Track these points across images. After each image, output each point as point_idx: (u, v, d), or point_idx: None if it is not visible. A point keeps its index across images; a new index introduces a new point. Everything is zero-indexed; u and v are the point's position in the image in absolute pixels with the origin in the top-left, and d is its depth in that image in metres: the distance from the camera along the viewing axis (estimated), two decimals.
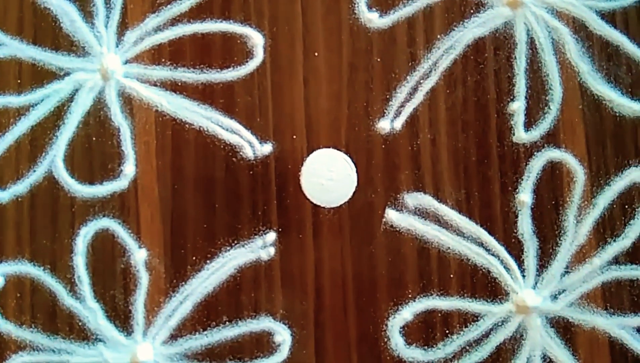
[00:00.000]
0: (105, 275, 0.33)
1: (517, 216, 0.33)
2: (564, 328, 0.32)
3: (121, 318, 0.33)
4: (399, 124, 0.33)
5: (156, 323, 0.33)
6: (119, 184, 0.33)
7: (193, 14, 0.34)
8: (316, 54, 0.34)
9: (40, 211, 0.33)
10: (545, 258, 0.33)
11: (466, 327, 0.32)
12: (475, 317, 0.32)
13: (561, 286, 0.32)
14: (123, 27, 0.34)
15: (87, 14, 0.34)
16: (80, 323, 0.33)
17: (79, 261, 0.33)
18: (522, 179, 0.33)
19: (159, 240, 0.33)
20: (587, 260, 0.32)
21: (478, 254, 0.32)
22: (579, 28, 0.33)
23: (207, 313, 0.33)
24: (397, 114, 0.33)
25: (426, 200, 0.33)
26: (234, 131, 0.33)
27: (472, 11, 0.34)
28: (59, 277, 0.33)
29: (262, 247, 0.33)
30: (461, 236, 0.33)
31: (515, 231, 0.33)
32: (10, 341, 0.33)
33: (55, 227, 0.33)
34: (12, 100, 0.34)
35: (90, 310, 0.33)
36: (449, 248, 0.32)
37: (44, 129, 0.34)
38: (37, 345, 0.33)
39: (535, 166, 0.33)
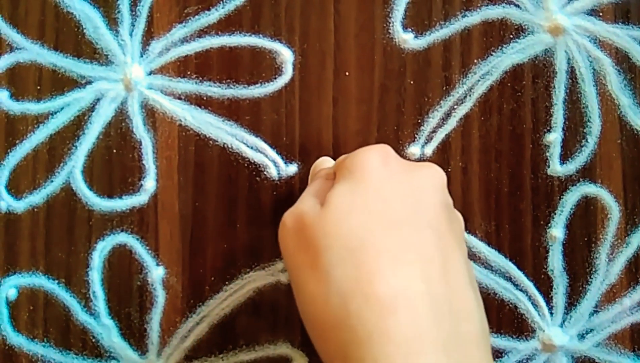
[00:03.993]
0: (121, 292, 0.34)
1: (547, 252, 0.33)
2: None
3: (136, 336, 0.34)
4: (429, 150, 0.34)
5: (171, 343, 0.34)
6: (138, 199, 0.34)
7: (221, 27, 0.34)
8: (347, 73, 0.34)
9: (57, 223, 0.34)
10: (574, 296, 0.33)
11: None
12: (499, 353, 0.33)
13: (589, 325, 0.33)
14: (148, 36, 0.34)
15: (112, 21, 0.34)
16: (93, 340, 0.34)
17: (95, 276, 0.34)
18: (555, 214, 0.34)
19: (178, 258, 0.34)
20: (617, 299, 0.33)
21: (506, 288, 0.33)
22: (622, 59, 0.34)
23: (223, 336, 0.34)
24: (429, 139, 0.34)
25: None
26: (259, 149, 0.34)
27: (511, 36, 0.34)
28: (74, 292, 0.34)
29: (282, 271, 0.34)
30: (489, 270, 0.33)
31: (545, 266, 0.33)
32: (22, 354, 0.34)
33: (71, 240, 0.34)
34: (31, 107, 0.35)
35: (104, 327, 0.34)
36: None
37: (63, 138, 0.34)
38: (48, 360, 0.34)
39: (569, 200, 0.33)
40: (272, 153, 0.34)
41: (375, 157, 0.26)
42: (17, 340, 0.34)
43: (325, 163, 0.32)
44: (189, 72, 0.35)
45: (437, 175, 0.26)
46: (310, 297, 0.24)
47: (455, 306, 0.23)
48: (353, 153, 0.27)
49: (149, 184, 0.34)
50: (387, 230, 0.24)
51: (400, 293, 0.22)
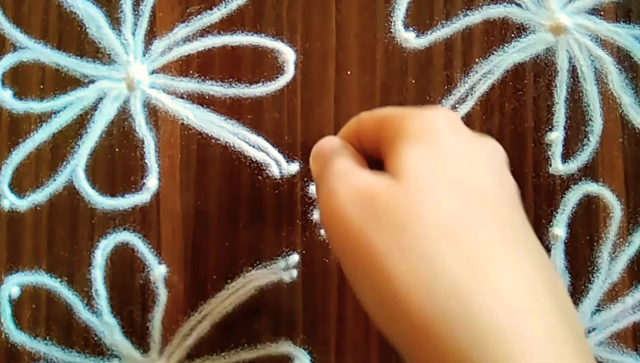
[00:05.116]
0: (123, 290, 0.34)
1: (549, 251, 0.34)
2: None
3: (138, 334, 0.34)
4: None
5: (173, 341, 0.34)
6: (140, 198, 0.35)
7: (224, 26, 0.35)
8: (349, 72, 0.35)
9: (59, 221, 0.35)
10: (576, 295, 0.34)
11: None
12: None
13: (591, 324, 0.33)
14: (151, 35, 0.35)
15: (114, 21, 0.35)
16: (95, 338, 0.34)
17: (97, 274, 0.34)
18: (557, 213, 0.34)
19: (180, 256, 0.34)
20: (619, 298, 0.34)
21: None
22: (623, 58, 0.34)
23: (225, 334, 0.34)
24: None
25: None
26: (261, 148, 0.35)
27: (512, 35, 0.34)
28: (76, 290, 0.34)
29: (284, 269, 0.34)
30: None
31: None
32: (24, 352, 0.34)
33: (74, 238, 0.35)
34: (34, 106, 0.35)
35: (106, 325, 0.34)
36: None
37: (66, 137, 0.35)
38: (51, 358, 0.34)
39: (571, 199, 0.34)
40: (274, 151, 0.35)
41: (444, 121, 0.23)
42: (20, 338, 0.34)
43: (331, 142, 0.28)
44: (191, 72, 0.35)
45: (502, 150, 0.25)
46: (401, 288, 0.20)
47: (561, 292, 0.21)
48: (409, 113, 0.23)
49: (152, 182, 0.35)
50: (482, 207, 0.21)
51: (525, 285, 0.19)
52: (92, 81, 0.35)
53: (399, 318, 0.20)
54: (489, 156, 0.23)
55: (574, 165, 0.34)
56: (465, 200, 0.21)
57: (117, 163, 0.35)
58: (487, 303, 0.19)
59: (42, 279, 0.35)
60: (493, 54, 0.35)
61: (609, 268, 0.34)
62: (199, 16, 0.35)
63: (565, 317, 0.20)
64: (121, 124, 0.35)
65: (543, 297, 0.20)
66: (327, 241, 0.34)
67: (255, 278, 0.34)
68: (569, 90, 0.34)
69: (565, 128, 0.34)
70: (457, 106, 0.35)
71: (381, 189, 0.21)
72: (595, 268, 0.34)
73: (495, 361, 0.18)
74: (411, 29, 0.35)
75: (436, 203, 0.21)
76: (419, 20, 0.35)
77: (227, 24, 0.35)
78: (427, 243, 0.20)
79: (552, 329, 0.19)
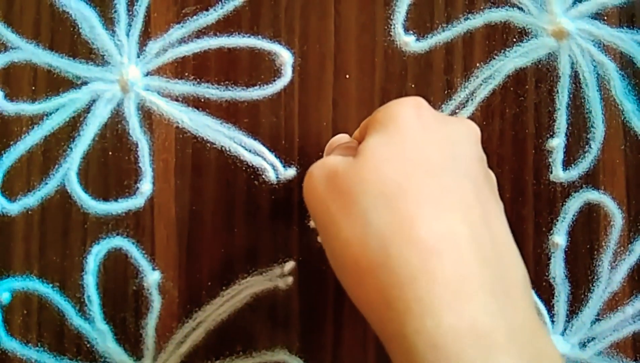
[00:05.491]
0: (116, 296, 0.34)
1: (549, 259, 0.34)
2: None
3: (131, 341, 0.34)
4: None
5: (167, 349, 0.34)
6: (134, 203, 0.34)
7: (220, 27, 0.34)
8: (347, 76, 0.34)
9: (51, 226, 0.34)
10: (576, 304, 0.33)
11: None
12: None
13: (591, 333, 0.33)
14: (145, 36, 0.34)
15: (108, 21, 0.34)
16: (88, 345, 0.34)
17: (90, 280, 0.34)
18: (558, 220, 0.34)
19: (174, 262, 0.34)
20: (619, 308, 0.33)
21: None
22: (626, 64, 0.34)
23: (220, 342, 0.34)
24: None
25: None
26: (257, 152, 0.34)
27: (514, 40, 0.34)
28: (68, 296, 0.34)
29: (280, 276, 0.34)
30: None
31: (546, 274, 0.34)
32: (15, 359, 0.34)
33: (66, 243, 0.34)
34: (26, 107, 0.35)
35: (99, 332, 0.34)
36: None
37: (58, 140, 0.34)
38: None
39: (572, 207, 0.34)
40: (270, 156, 0.34)
41: (409, 109, 0.26)
42: (11, 344, 0.34)
43: (342, 138, 0.32)
44: (186, 74, 0.35)
45: (471, 128, 0.27)
46: (345, 242, 0.24)
47: (499, 253, 0.23)
48: (384, 106, 0.27)
49: (145, 187, 0.34)
50: (425, 176, 0.24)
51: (444, 236, 0.22)
52: (85, 83, 0.35)
53: (345, 268, 0.24)
54: (447, 134, 0.25)
55: (575, 172, 0.34)
56: (409, 171, 0.24)
57: (110, 167, 0.34)
58: (404, 250, 0.22)
59: (34, 284, 0.34)
60: (494, 58, 0.34)
61: (609, 277, 0.33)
62: (194, 17, 0.35)
63: (486, 262, 0.22)
64: (115, 127, 0.34)
65: (463, 247, 0.22)
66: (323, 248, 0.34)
67: (251, 285, 0.34)
68: (571, 96, 0.34)
69: (566, 135, 0.34)
70: (457, 111, 0.34)
71: (341, 166, 0.25)
72: (596, 277, 0.34)
73: (409, 299, 0.21)
74: (411, 32, 0.34)
75: (380, 173, 0.24)
76: (419, 24, 0.34)
77: (224, 26, 0.35)
78: (365, 204, 0.23)
79: (466, 271, 0.22)
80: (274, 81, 0.34)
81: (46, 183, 0.34)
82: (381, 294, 0.22)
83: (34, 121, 0.34)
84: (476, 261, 0.22)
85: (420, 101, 0.26)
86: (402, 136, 0.25)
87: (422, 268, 0.22)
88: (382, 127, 0.25)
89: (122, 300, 0.34)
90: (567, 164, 0.34)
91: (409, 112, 0.25)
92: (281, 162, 0.34)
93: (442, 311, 0.21)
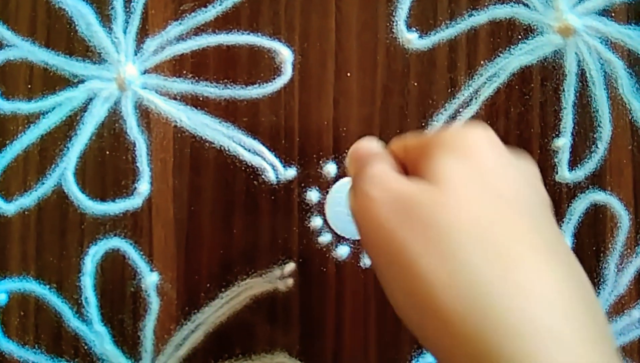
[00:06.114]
0: (113, 298, 0.34)
1: None
2: None
3: (129, 344, 0.33)
4: None
5: (165, 351, 0.33)
6: (132, 203, 0.34)
7: (218, 24, 0.34)
8: (348, 74, 0.34)
9: (48, 226, 0.34)
10: None
11: None
12: None
13: None
14: (143, 34, 0.34)
15: (105, 18, 0.34)
16: (85, 347, 0.34)
17: (87, 281, 0.34)
18: (563, 222, 0.33)
19: (172, 263, 0.34)
20: (625, 311, 0.33)
21: None
22: (634, 62, 0.34)
23: (219, 344, 0.34)
24: None
25: None
26: (257, 152, 0.34)
27: (519, 37, 0.34)
28: (65, 297, 0.34)
29: (280, 278, 0.34)
30: None
31: None
32: (12, 361, 0.34)
33: (63, 244, 0.34)
34: (22, 106, 0.34)
35: (96, 334, 0.33)
36: None
37: (55, 139, 0.34)
38: None
39: (578, 208, 0.33)
40: (270, 156, 0.34)
41: (483, 135, 0.24)
42: (7, 346, 0.34)
43: (371, 145, 0.27)
44: (184, 72, 0.34)
45: (535, 165, 0.25)
46: (425, 281, 0.21)
47: (591, 295, 0.22)
48: (448, 127, 0.25)
49: (143, 187, 0.34)
50: (518, 216, 0.22)
51: (550, 283, 0.20)
52: (81, 81, 0.34)
53: (420, 309, 0.21)
54: (524, 169, 0.24)
55: (581, 173, 0.33)
56: (498, 206, 0.22)
57: (107, 167, 0.34)
58: (510, 298, 0.20)
59: (31, 286, 0.34)
60: (499, 56, 0.34)
61: (616, 280, 0.33)
62: (192, 14, 0.34)
63: (593, 318, 0.20)
64: (112, 126, 0.34)
65: (571, 298, 0.20)
66: (324, 249, 0.34)
67: (250, 287, 0.34)
68: (577, 95, 0.33)
69: (572, 134, 0.34)
70: (460, 109, 0.34)
71: (415, 193, 0.22)
72: (602, 280, 0.33)
73: (513, 352, 0.19)
74: (414, 29, 0.34)
75: (468, 206, 0.22)
76: (422, 20, 0.34)
77: (222, 23, 0.34)
78: (455, 241, 0.21)
79: (577, 325, 0.20)
80: (274, 79, 0.34)
81: (43, 183, 0.34)
82: (473, 344, 0.20)
83: (30, 120, 0.34)
84: (582, 310, 0.20)
85: (492, 132, 0.24)
86: (483, 167, 0.23)
87: (531, 318, 0.20)
88: (455, 152, 0.23)
89: (120, 302, 0.34)
90: (573, 164, 0.34)
91: (483, 139, 0.23)
92: (281, 162, 0.34)
93: None
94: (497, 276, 0.20)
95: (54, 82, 0.34)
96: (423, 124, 0.34)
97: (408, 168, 0.26)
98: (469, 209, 0.22)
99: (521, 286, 0.20)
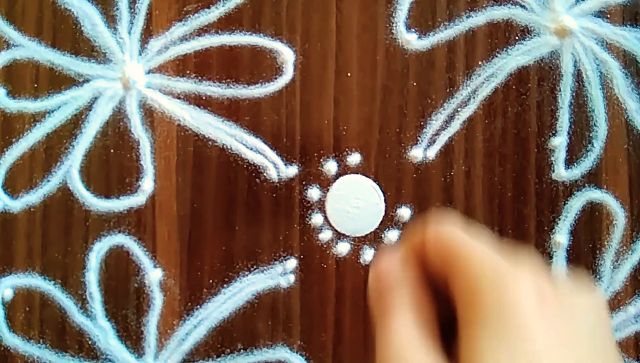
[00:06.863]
0: (117, 294, 0.34)
1: (551, 258, 0.34)
2: None
3: (132, 339, 0.34)
4: (432, 153, 0.34)
5: (168, 346, 0.34)
6: (136, 200, 0.34)
7: (222, 25, 0.35)
8: (349, 74, 0.34)
9: (53, 223, 0.35)
10: None
11: None
12: None
13: None
14: (147, 34, 0.35)
15: (110, 18, 0.35)
16: (90, 342, 0.34)
17: (92, 277, 0.34)
18: (560, 219, 0.34)
19: (175, 260, 0.34)
20: (621, 307, 0.33)
21: None
22: (629, 62, 0.34)
23: (221, 339, 0.34)
24: (431, 142, 0.34)
25: None
26: (259, 150, 0.34)
27: (517, 38, 0.34)
28: (70, 293, 0.34)
29: (281, 274, 0.34)
30: None
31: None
32: (17, 356, 0.34)
33: (67, 241, 0.34)
34: (28, 105, 0.35)
35: (100, 329, 0.34)
36: None
37: (60, 137, 0.35)
38: (44, 362, 0.34)
39: (574, 206, 0.34)
40: (272, 154, 0.34)
41: (529, 288, 0.19)
42: (13, 341, 0.34)
43: (388, 263, 0.23)
44: (188, 71, 0.35)
45: (601, 303, 0.21)
46: None
47: None
48: (494, 281, 0.20)
49: (147, 184, 0.35)
50: None
51: None
52: (87, 80, 0.35)
53: None
54: (581, 325, 0.20)
55: (577, 171, 0.34)
56: None
57: (112, 164, 0.35)
58: None
59: (36, 281, 0.35)
60: (496, 56, 0.34)
61: (612, 277, 0.34)
62: (196, 15, 0.35)
63: None
64: (116, 125, 0.35)
65: None
66: (325, 246, 0.34)
67: (252, 283, 0.34)
68: (574, 94, 0.34)
69: (569, 133, 0.34)
70: (459, 109, 0.34)
71: None
72: (598, 277, 0.34)
73: None
74: (413, 30, 0.34)
75: None
76: (421, 21, 0.35)
77: (225, 23, 0.35)
78: None
79: None
80: (276, 79, 0.35)
81: (48, 181, 0.35)
82: None
83: (36, 118, 0.35)
84: None
85: (538, 273, 0.20)
86: (527, 339, 0.19)
87: None
88: (497, 325, 0.19)
89: (124, 298, 0.34)
90: (569, 163, 0.34)
91: (529, 295, 0.19)
92: (282, 160, 0.35)
93: None
94: None
95: (59, 81, 0.35)
96: (422, 123, 0.34)
97: (428, 266, 0.22)
98: None
99: None
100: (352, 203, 0.34)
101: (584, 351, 0.19)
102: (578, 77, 0.34)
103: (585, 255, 0.34)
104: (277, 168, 0.35)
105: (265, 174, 0.35)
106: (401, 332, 0.20)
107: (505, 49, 0.34)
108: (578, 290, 0.21)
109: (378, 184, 0.34)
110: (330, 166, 0.34)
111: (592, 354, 0.19)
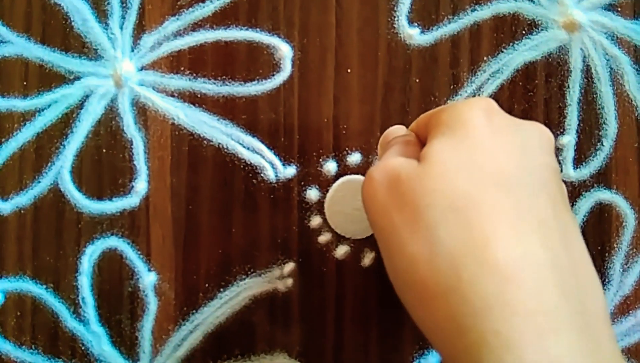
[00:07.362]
0: (111, 298, 0.34)
1: None
2: None
3: (127, 344, 0.33)
4: None
5: (163, 352, 0.33)
6: (129, 202, 0.34)
7: (217, 20, 0.34)
8: (349, 70, 0.33)
9: (44, 225, 0.34)
10: None
11: None
12: None
13: None
14: (140, 30, 0.34)
15: (101, 13, 0.34)
16: (83, 348, 0.33)
17: (84, 281, 0.34)
18: None
19: (170, 263, 0.34)
20: (631, 312, 0.33)
21: None
22: None
23: (218, 345, 0.34)
24: None
25: None
26: (256, 150, 0.33)
27: (524, 32, 0.33)
28: (62, 297, 0.34)
29: (279, 278, 0.33)
30: None
31: None
32: (9, 361, 0.34)
33: (59, 244, 0.34)
34: (17, 103, 0.34)
35: (94, 334, 0.33)
36: None
37: (51, 137, 0.34)
38: None
39: (583, 207, 0.33)
40: (269, 154, 0.34)
41: (479, 112, 0.24)
42: (4, 346, 0.34)
43: (397, 131, 0.30)
44: (182, 68, 0.34)
45: (545, 134, 0.24)
46: (410, 259, 0.22)
47: (580, 280, 0.21)
48: (449, 106, 0.25)
49: (140, 185, 0.34)
50: (498, 189, 0.22)
51: (523, 262, 0.20)
52: (77, 78, 0.34)
53: (410, 287, 0.22)
54: (521, 142, 0.24)
55: (586, 171, 0.33)
56: (481, 182, 0.22)
57: (104, 165, 0.34)
58: (479, 274, 0.20)
59: (27, 286, 0.34)
60: (502, 52, 0.33)
61: (621, 280, 0.33)
62: (190, 9, 0.34)
63: (568, 293, 0.21)
64: (108, 124, 0.34)
65: (544, 275, 0.20)
66: (324, 248, 0.33)
67: (249, 287, 0.34)
68: (583, 91, 0.33)
69: (577, 132, 0.33)
70: None
71: (404, 171, 0.23)
72: (607, 280, 0.33)
73: (484, 330, 0.20)
74: (416, 24, 0.33)
75: (449, 183, 0.22)
76: (424, 16, 0.34)
77: (221, 18, 0.34)
78: (433, 218, 0.22)
79: (548, 303, 0.20)
80: (273, 75, 0.34)
81: (39, 182, 0.34)
82: (452, 321, 0.21)
83: (25, 117, 0.34)
84: (558, 291, 0.20)
85: (491, 102, 0.24)
86: (471, 142, 0.23)
87: (499, 296, 0.20)
88: (449, 131, 0.23)
89: (117, 302, 0.34)
90: (577, 162, 0.33)
91: (479, 115, 0.23)
92: (280, 160, 0.34)
93: (523, 347, 0.19)
94: (470, 253, 0.21)
95: (49, 79, 0.34)
96: None
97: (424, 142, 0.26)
98: (447, 184, 0.22)
99: (484, 258, 0.20)
100: (351, 205, 0.33)
101: (525, 159, 0.23)
102: (587, 73, 0.33)
103: (593, 257, 0.32)
104: (274, 168, 0.34)
105: (262, 175, 0.34)
106: (389, 152, 0.25)
107: (511, 44, 0.33)
108: (529, 122, 0.25)
109: None
110: (330, 166, 0.33)
111: (532, 161, 0.23)
